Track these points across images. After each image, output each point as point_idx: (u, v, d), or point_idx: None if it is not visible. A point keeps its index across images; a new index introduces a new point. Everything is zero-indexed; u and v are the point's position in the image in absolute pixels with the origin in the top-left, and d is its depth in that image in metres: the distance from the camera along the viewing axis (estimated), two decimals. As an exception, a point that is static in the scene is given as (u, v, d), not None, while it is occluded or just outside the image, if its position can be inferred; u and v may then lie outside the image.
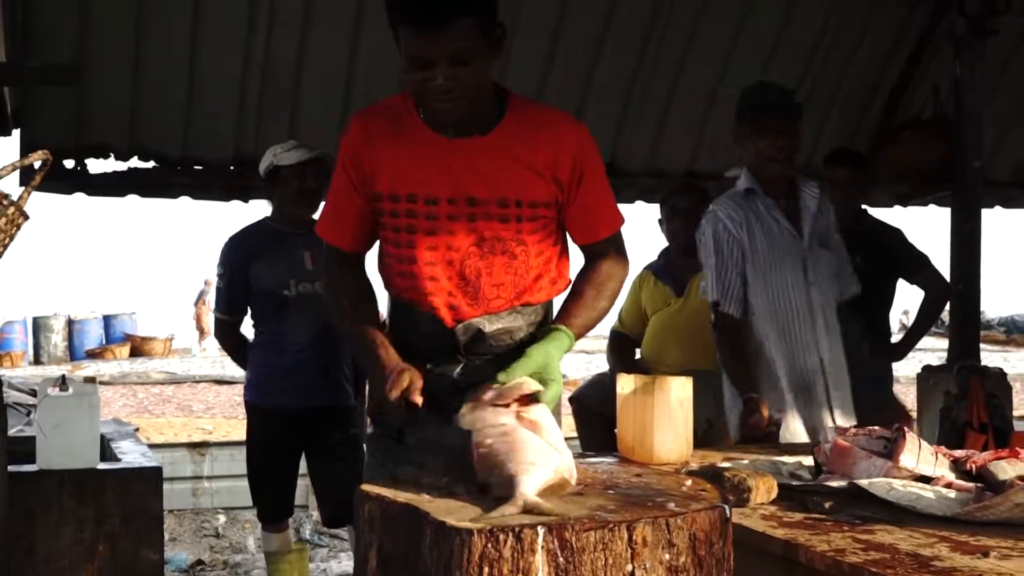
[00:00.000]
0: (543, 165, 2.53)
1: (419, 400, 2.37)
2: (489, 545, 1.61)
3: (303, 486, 5.85)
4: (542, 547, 1.62)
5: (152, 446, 5.82)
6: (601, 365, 5.73)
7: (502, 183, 2.52)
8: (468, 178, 2.51)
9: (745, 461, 2.83)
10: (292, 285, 4.47)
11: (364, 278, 2.74)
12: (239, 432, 5.16)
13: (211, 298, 4.74)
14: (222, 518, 7.45)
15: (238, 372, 5.02)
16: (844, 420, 3.68)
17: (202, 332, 23.10)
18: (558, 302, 2.67)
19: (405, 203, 2.54)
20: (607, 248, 2.66)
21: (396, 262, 2.61)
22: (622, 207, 2.73)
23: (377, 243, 2.70)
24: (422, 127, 2.53)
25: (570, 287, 2.65)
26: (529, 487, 1.80)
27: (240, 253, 4.60)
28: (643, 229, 5.55)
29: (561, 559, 1.63)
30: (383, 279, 2.71)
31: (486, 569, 1.61)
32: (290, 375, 4.52)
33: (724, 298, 3.79)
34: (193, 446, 7.89)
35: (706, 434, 4.17)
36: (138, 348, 22.71)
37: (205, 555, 6.54)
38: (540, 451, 1.90)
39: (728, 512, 1.83)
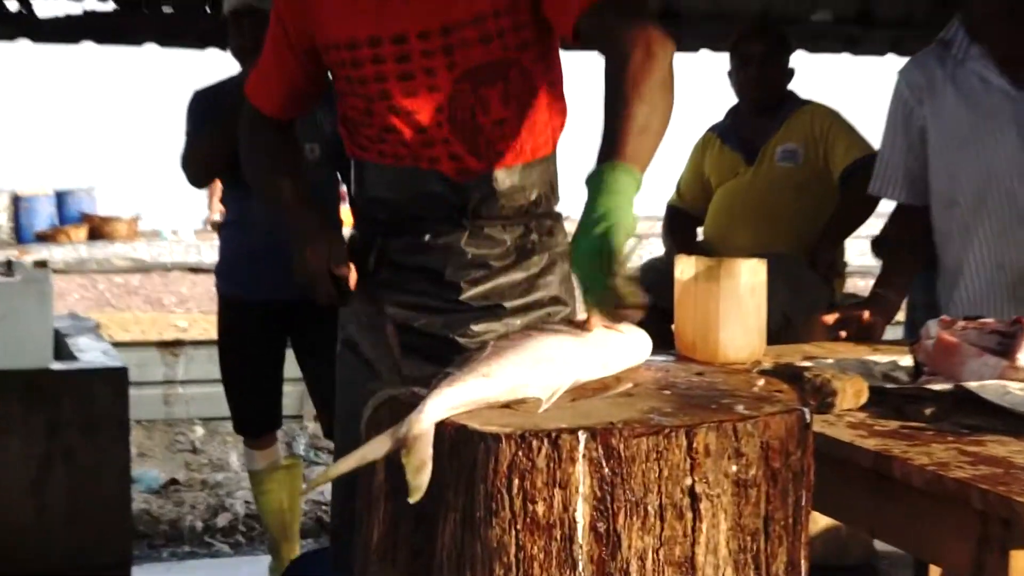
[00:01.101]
0: None
1: (344, 272, 2.43)
2: (520, 453, 1.61)
3: (296, 392, 5.89)
4: (583, 456, 1.62)
5: (116, 344, 5.87)
6: (655, 248, 5.69)
7: None
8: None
9: (829, 360, 2.83)
10: None
11: (287, 141, 2.80)
12: (217, 330, 5.18)
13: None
14: (199, 430, 7.55)
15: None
16: None
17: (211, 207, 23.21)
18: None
19: (368, 48, 2.51)
20: (621, 19, 2.29)
21: (373, 117, 2.58)
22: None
23: (340, 110, 2.70)
24: None
25: (604, 102, 2.18)
26: (431, 412, 1.71)
27: (204, 110, 4.57)
28: (708, 83, 5.49)
29: (606, 470, 1.62)
30: (355, 149, 2.70)
31: (516, 481, 1.61)
32: (260, 259, 4.45)
33: (885, 184, 3.65)
34: (164, 345, 7.99)
35: (783, 332, 4.16)
36: (97, 230, 22.81)
37: (180, 473, 6.63)
38: (510, 360, 1.84)
39: (808, 417, 1.83)
